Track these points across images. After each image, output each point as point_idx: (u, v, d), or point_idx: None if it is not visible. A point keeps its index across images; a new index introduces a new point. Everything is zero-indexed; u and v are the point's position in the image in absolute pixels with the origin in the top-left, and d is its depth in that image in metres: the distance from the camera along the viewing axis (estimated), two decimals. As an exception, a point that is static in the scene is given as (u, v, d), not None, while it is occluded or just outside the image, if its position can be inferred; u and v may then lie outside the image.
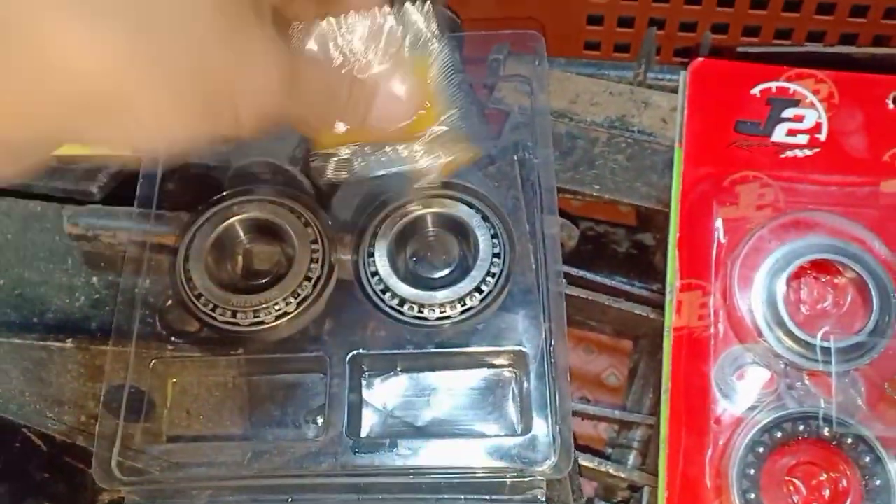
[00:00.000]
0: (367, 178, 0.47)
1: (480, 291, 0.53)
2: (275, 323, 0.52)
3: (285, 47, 0.37)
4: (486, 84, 0.65)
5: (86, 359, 0.54)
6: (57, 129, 0.32)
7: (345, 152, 0.46)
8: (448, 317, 0.52)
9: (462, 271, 0.54)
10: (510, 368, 0.52)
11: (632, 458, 0.62)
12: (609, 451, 0.64)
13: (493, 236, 0.54)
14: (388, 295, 0.53)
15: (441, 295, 0.52)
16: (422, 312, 0.52)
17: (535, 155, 0.57)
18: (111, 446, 0.50)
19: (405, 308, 0.53)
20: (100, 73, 0.29)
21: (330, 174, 0.46)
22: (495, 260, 0.53)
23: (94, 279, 0.59)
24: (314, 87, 0.40)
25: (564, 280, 0.55)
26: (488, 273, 0.53)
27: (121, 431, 0.50)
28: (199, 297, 0.53)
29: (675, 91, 0.67)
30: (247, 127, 0.34)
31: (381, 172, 0.46)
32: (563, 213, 0.59)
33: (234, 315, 0.52)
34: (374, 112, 0.43)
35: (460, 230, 0.55)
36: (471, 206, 0.55)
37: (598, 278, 0.63)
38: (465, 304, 0.52)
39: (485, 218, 0.54)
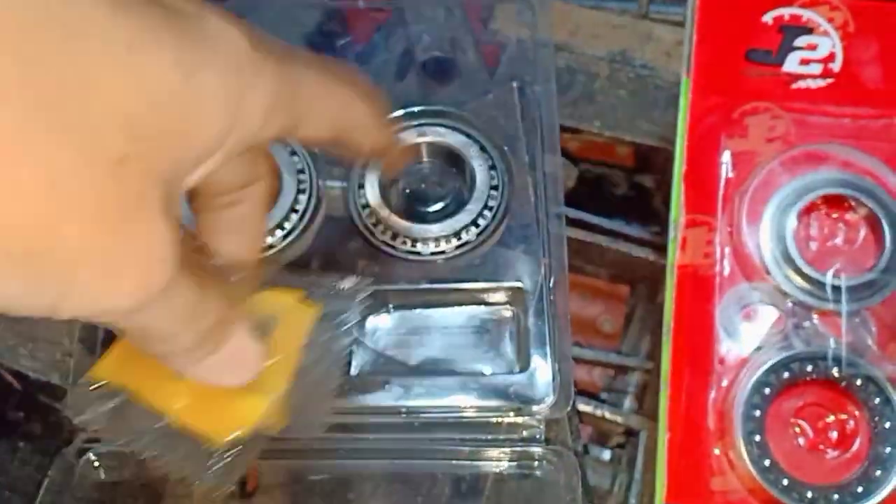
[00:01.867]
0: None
1: (477, 225, 0.50)
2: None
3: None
4: (481, 17, 0.62)
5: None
6: None
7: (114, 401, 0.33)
8: (443, 251, 0.50)
9: (458, 204, 0.52)
10: (508, 305, 0.50)
11: (628, 402, 0.61)
12: (604, 395, 0.62)
13: (491, 168, 0.51)
14: (379, 228, 0.50)
15: (436, 228, 0.50)
16: (415, 247, 0.50)
17: (534, 89, 0.54)
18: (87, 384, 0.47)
19: (398, 242, 0.50)
20: None
21: (86, 420, 0.33)
22: (493, 192, 0.51)
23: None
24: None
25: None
26: (485, 206, 0.50)
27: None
28: (179, 228, 0.50)
29: (678, 25, 0.64)
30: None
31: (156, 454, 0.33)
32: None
33: (216, 248, 0.49)
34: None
35: (456, 161, 0.52)
36: (467, 135, 0.52)
37: (597, 220, 0.61)
38: (460, 238, 0.50)
39: (482, 148, 0.52)
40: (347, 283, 0.39)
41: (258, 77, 0.27)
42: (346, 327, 0.37)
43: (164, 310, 0.27)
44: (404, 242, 0.50)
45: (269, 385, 0.33)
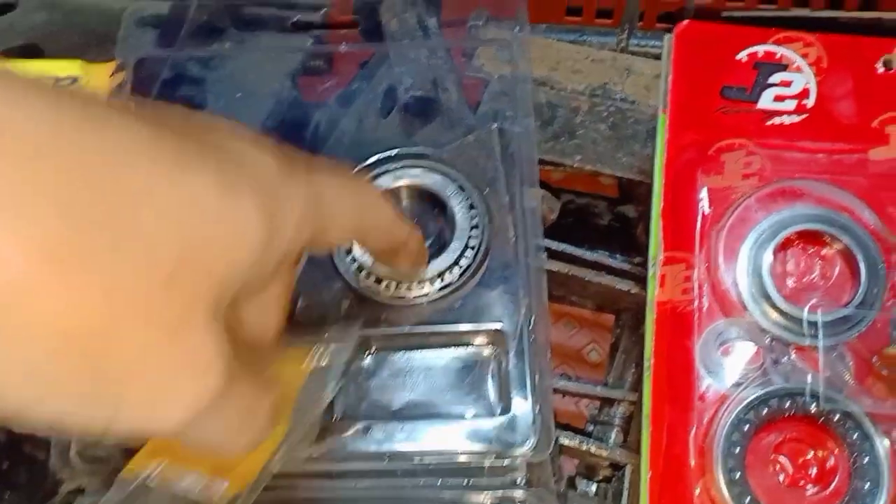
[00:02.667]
0: None
1: (459, 265, 0.50)
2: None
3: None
4: (464, 52, 0.62)
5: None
6: None
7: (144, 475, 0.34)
8: (426, 294, 0.50)
9: (439, 246, 0.52)
10: (489, 347, 0.51)
11: (613, 435, 0.61)
12: (590, 427, 0.62)
13: (471, 207, 0.52)
14: (363, 273, 0.51)
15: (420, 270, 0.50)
16: (399, 291, 0.50)
17: (514, 125, 0.55)
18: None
19: (382, 287, 0.50)
20: None
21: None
22: (473, 232, 0.51)
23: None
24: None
25: (545, 254, 0.53)
26: (467, 246, 0.51)
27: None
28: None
29: (658, 58, 0.65)
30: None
31: None
32: (543, 186, 0.57)
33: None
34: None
35: (435, 202, 0.53)
36: (445, 175, 0.53)
37: (580, 252, 0.62)
38: (443, 279, 0.50)
39: (461, 188, 0.52)
40: (336, 331, 0.40)
41: (288, 193, 0.29)
42: (335, 373, 0.39)
43: (218, 417, 0.28)
44: (388, 287, 0.50)
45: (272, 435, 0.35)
